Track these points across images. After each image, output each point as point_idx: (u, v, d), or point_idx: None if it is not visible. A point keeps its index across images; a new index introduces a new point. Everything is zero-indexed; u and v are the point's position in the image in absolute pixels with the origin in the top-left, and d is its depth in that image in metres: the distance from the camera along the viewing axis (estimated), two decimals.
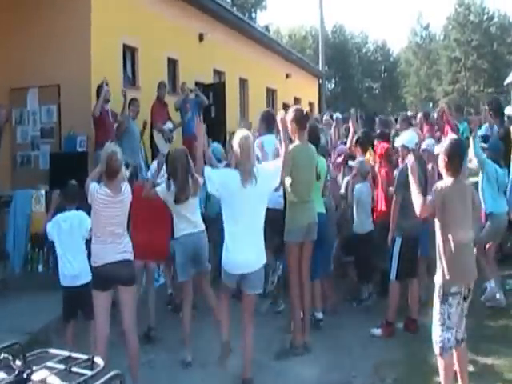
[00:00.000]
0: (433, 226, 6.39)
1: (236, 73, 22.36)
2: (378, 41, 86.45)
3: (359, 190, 9.91)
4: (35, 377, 3.77)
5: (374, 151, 11.05)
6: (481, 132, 11.37)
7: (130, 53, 15.56)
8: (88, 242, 7.47)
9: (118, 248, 6.90)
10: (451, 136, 9.05)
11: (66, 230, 7.91)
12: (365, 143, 10.72)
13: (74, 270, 7.83)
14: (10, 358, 3.98)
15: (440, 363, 6.22)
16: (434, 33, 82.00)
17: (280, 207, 8.66)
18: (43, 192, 10.87)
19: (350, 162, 10.56)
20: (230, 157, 8.48)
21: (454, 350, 6.18)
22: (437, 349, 6.18)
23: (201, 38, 19.29)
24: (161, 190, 7.92)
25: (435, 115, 14.71)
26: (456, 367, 6.24)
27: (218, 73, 21.00)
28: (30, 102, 13.77)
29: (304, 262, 8.21)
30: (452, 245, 6.11)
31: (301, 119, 8.00)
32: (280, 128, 7.38)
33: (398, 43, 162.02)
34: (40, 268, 10.70)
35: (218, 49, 20.33)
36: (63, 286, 7.92)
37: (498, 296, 9.31)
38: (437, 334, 6.18)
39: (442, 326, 6.13)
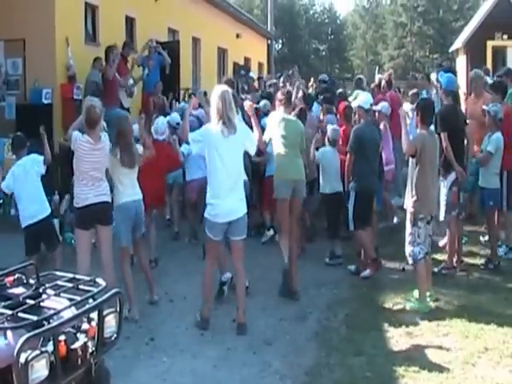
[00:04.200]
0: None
1: (189, 32, 22.83)
2: (324, 3, 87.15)
3: (326, 153, 10.47)
4: (49, 292, 4.62)
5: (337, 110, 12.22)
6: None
7: (90, 10, 16.11)
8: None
9: (98, 191, 7.77)
10: (424, 96, 11.59)
11: (21, 174, 8.79)
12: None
13: (31, 209, 8.78)
14: (24, 277, 4.85)
15: (416, 270, 8.18)
16: None
17: None
18: None
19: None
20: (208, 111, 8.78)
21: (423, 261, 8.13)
22: (410, 260, 8.18)
23: None
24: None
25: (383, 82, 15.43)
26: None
27: (172, 31, 21.53)
28: None
29: (293, 220, 8.85)
30: (425, 181, 8.00)
31: (286, 98, 8.99)
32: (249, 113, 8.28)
33: (344, 6, 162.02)
34: (12, 211, 11.37)
35: (172, 8, 20.87)
36: (25, 226, 8.79)
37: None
38: (409, 249, 8.09)
39: (413, 242, 8.07)
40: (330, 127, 10.85)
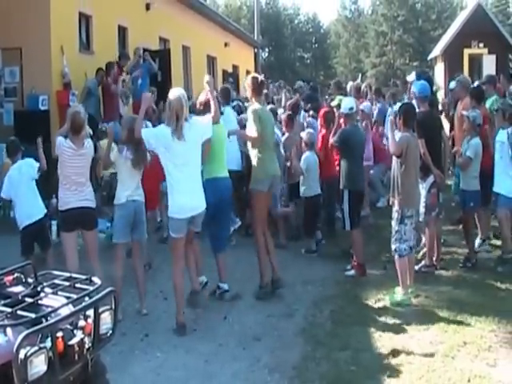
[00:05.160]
0: None
1: (179, 41, 22.91)
2: (309, 13, 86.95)
3: (307, 159, 10.60)
4: (47, 290, 4.62)
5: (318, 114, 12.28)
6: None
7: (84, 20, 16.13)
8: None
9: (81, 195, 7.80)
10: (405, 101, 11.44)
11: (16, 177, 8.84)
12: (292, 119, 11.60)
13: (28, 210, 8.82)
14: (22, 276, 4.85)
15: (398, 265, 8.23)
16: (363, 7, 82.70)
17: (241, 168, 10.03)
18: None
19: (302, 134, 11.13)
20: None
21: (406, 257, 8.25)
22: (396, 255, 8.24)
23: (147, 7, 19.89)
24: (115, 154, 8.06)
25: (362, 86, 15.69)
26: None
27: (163, 40, 21.53)
28: None
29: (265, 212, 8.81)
30: (410, 180, 8.13)
31: (257, 85, 8.68)
32: (208, 88, 8.07)
33: (328, 16, 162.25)
34: (12, 214, 11.12)
35: (163, 18, 20.92)
36: (23, 227, 8.84)
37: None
38: (395, 246, 8.18)
39: (399, 240, 8.19)
40: (304, 132, 11.00)
